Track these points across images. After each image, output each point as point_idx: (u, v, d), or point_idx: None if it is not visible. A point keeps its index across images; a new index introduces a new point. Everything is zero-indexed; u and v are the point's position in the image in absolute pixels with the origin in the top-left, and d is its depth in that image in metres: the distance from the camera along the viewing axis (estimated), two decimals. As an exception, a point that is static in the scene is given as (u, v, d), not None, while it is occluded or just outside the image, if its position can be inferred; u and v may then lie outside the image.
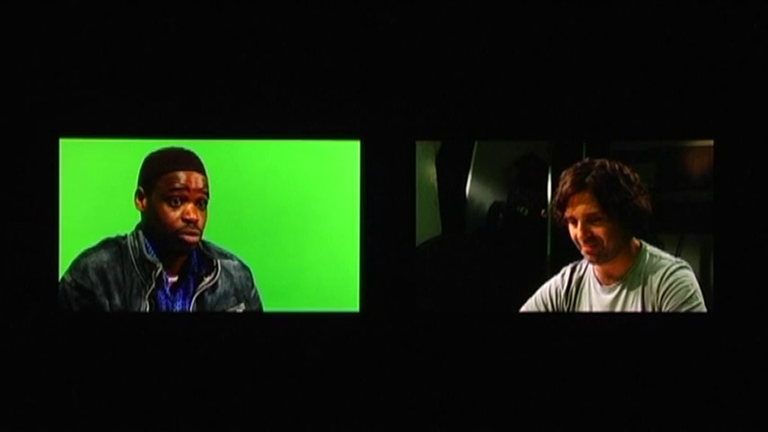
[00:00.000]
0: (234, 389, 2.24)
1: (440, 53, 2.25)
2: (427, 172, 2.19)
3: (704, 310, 2.12)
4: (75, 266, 2.09)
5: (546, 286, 2.15)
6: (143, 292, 2.09)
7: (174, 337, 2.23)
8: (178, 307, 2.12)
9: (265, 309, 2.18)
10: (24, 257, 2.20)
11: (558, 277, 2.15)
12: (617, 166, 2.06)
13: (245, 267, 2.16)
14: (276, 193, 2.17)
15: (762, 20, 2.24)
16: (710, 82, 2.24)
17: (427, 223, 2.19)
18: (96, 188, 2.13)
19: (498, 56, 2.25)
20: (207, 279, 2.12)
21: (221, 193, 2.15)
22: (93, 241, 2.11)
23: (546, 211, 2.14)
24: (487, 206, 2.19)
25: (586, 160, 2.09)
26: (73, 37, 2.22)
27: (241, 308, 2.16)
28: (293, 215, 2.18)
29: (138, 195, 2.10)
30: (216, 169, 2.15)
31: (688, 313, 2.12)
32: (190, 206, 2.08)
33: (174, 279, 2.12)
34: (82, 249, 2.09)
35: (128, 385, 2.23)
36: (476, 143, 2.19)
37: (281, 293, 2.18)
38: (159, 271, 2.09)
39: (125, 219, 2.12)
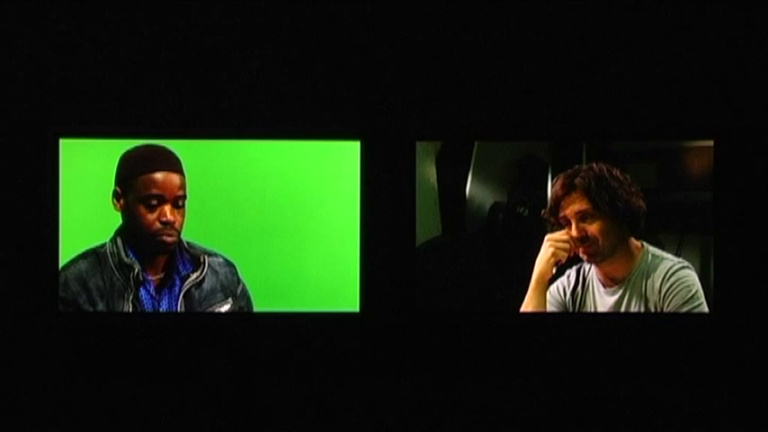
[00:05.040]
0: (233, 389, 2.23)
1: (440, 53, 2.25)
2: (427, 172, 2.19)
3: (706, 310, 2.12)
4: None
5: (554, 286, 2.16)
6: (125, 295, 2.10)
7: (174, 338, 2.23)
8: (164, 305, 2.12)
9: (264, 309, 2.18)
10: (24, 257, 2.20)
11: (564, 278, 2.16)
12: (605, 167, 2.12)
13: (229, 264, 2.17)
14: (276, 193, 2.17)
15: (761, 20, 2.25)
16: (710, 82, 2.24)
17: (427, 223, 2.19)
18: (96, 188, 2.12)
19: (498, 56, 2.25)
20: (194, 275, 2.13)
21: (221, 194, 2.15)
22: (93, 241, 2.12)
23: (546, 211, 2.14)
24: (487, 206, 2.18)
25: (576, 167, 2.13)
26: (73, 37, 2.22)
27: (228, 303, 2.16)
28: (293, 215, 2.18)
29: (116, 195, 2.11)
30: (215, 170, 2.15)
31: (688, 313, 2.12)
32: (167, 208, 2.09)
33: (159, 277, 2.13)
34: (64, 262, 2.12)
35: (128, 387, 2.23)
36: (476, 143, 2.19)
37: (281, 293, 2.18)
38: (136, 271, 2.10)
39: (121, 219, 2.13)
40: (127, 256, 2.10)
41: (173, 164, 2.11)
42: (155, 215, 2.09)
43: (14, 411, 2.22)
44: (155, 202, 2.09)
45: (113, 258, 2.11)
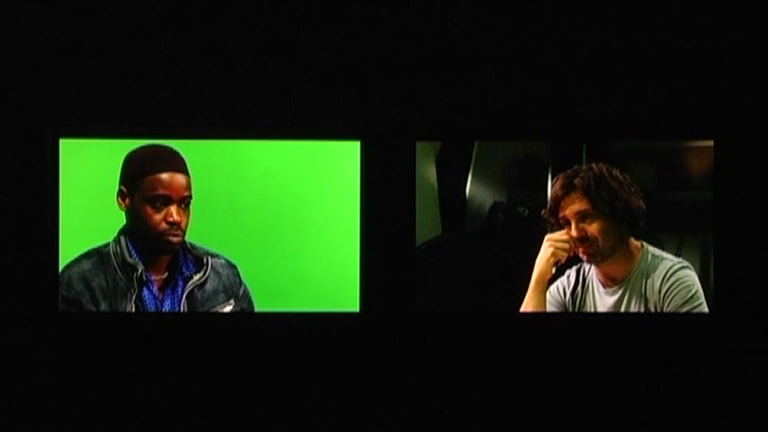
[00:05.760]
0: (232, 389, 2.24)
1: (440, 53, 2.25)
2: (427, 172, 2.19)
3: (706, 310, 2.12)
4: (59, 279, 2.10)
5: (554, 286, 2.16)
6: (128, 295, 2.10)
7: (174, 338, 2.23)
8: (167, 306, 2.12)
9: (264, 309, 2.18)
10: (24, 258, 2.20)
11: (563, 278, 2.16)
12: (605, 168, 2.12)
13: (231, 265, 2.17)
14: (276, 193, 2.17)
15: (762, 20, 2.25)
16: (710, 82, 2.24)
17: (427, 223, 2.19)
18: (96, 188, 2.12)
19: (498, 56, 2.25)
20: (196, 277, 2.13)
21: (221, 193, 2.15)
22: (94, 241, 2.12)
23: (546, 211, 2.15)
24: (487, 206, 2.18)
25: (576, 167, 2.13)
26: (73, 37, 2.22)
27: (230, 304, 2.16)
28: (293, 215, 2.18)
29: (121, 195, 2.11)
30: (215, 170, 2.15)
31: (688, 313, 2.13)
32: (173, 208, 2.09)
33: (162, 277, 2.13)
34: (67, 260, 2.12)
35: (129, 387, 2.23)
36: (476, 143, 2.19)
37: (281, 293, 2.18)
38: (140, 271, 2.10)
39: (124, 219, 2.13)
40: (130, 256, 2.10)
41: (179, 164, 2.12)
42: (161, 215, 2.09)
43: (15, 412, 2.22)
44: (161, 203, 2.09)
45: (117, 258, 2.11)
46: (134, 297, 2.11)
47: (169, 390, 2.23)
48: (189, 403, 2.23)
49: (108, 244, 2.12)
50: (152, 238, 2.10)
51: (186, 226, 2.12)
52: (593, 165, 2.13)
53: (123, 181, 2.11)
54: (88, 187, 2.13)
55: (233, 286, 2.17)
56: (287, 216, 2.18)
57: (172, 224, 2.09)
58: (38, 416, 2.22)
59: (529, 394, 2.25)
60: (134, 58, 2.23)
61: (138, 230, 2.11)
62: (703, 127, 2.22)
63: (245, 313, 2.18)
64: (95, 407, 2.23)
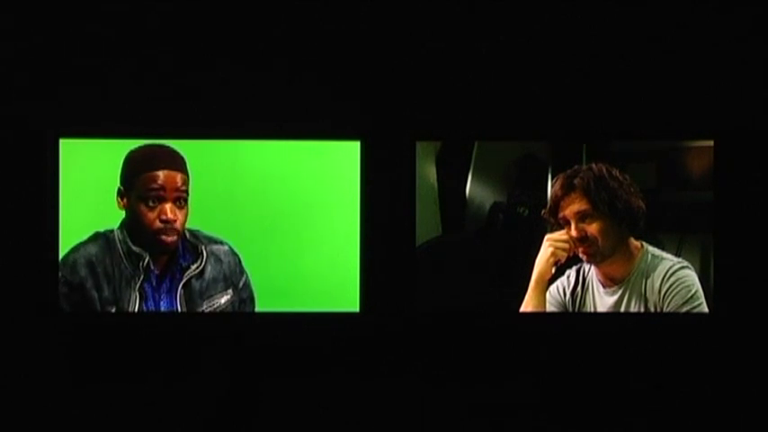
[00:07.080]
0: (233, 389, 2.24)
1: (440, 53, 2.25)
2: (427, 172, 2.19)
3: (705, 310, 2.12)
4: (64, 262, 2.10)
5: (554, 286, 2.16)
6: (132, 284, 2.10)
7: (174, 337, 2.23)
8: (164, 298, 2.12)
9: (264, 309, 2.18)
10: (24, 257, 2.20)
11: (563, 278, 2.16)
12: (604, 168, 2.12)
13: (234, 253, 2.16)
14: (276, 193, 2.17)
15: (761, 20, 2.25)
16: (710, 82, 2.24)
17: (427, 223, 2.19)
18: (96, 188, 2.12)
19: (498, 56, 2.25)
20: (193, 267, 2.13)
21: (220, 194, 2.15)
22: (93, 241, 2.13)
23: (546, 211, 2.15)
24: (487, 206, 2.18)
25: (576, 167, 2.12)
26: (73, 37, 2.22)
27: (228, 294, 2.16)
28: (293, 215, 2.18)
29: (120, 194, 2.11)
30: (215, 170, 2.15)
31: (688, 313, 2.13)
32: (167, 206, 2.08)
33: (161, 268, 2.12)
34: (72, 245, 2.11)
35: (128, 386, 2.23)
36: (476, 143, 2.19)
37: (281, 293, 2.18)
38: (147, 261, 2.10)
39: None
40: (134, 244, 2.10)
41: (176, 163, 2.11)
42: (155, 214, 2.09)
43: (15, 412, 2.22)
44: (155, 201, 2.09)
45: (122, 246, 2.11)
46: (138, 286, 2.11)
47: (169, 389, 2.23)
48: (188, 403, 2.23)
49: (113, 230, 2.11)
50: (148, 236, 2.09)
51: (182, 225, 2.11)
52: (593, 165, 2.13)
53: (122, 180, 2.11)
54: (88, 187, 2.13)
55: (233, 275, 2.17)
56: (287, 216, 2.18)
57: (166, 222, 2.09)
58: (38, 416, 2.22)
59: (529, 394, 2.25)
60: (134, 58, 2.23)
61: (135, 229, 2.11)
62: (703, 127, 2.22)
63: (246, 313, 2.18)
64: (95, 407, 2.22)
